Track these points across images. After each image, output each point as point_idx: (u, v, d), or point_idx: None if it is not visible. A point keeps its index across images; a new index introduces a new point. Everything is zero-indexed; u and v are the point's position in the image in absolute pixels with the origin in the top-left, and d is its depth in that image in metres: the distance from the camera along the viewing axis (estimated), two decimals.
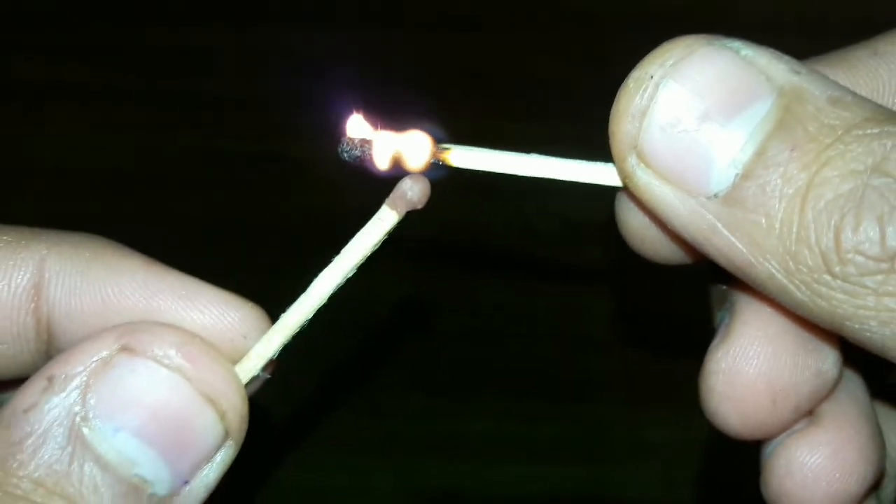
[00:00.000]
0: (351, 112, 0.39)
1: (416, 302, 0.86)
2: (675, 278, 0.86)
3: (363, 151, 0.38)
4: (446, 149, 0.39)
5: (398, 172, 0.38)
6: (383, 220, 0.37)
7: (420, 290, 0.87)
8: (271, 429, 0.78)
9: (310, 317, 0.37)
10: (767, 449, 0.42)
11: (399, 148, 0.38)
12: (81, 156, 0.93)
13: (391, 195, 0.37)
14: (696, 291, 0.83)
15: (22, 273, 0.39)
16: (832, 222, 0.34)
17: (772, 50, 0.37)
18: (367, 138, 0.39)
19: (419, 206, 0.37)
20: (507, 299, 0.86)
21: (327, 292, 0.37)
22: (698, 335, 0.84)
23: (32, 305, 0.39)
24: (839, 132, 0.34)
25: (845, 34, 0.44)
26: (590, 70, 0.99)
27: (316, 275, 0.40)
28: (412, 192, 0.37)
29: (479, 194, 0.87)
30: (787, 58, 0.36)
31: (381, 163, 0.39)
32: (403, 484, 0.77)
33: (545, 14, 1.03)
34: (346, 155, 0.39)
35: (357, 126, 0.39)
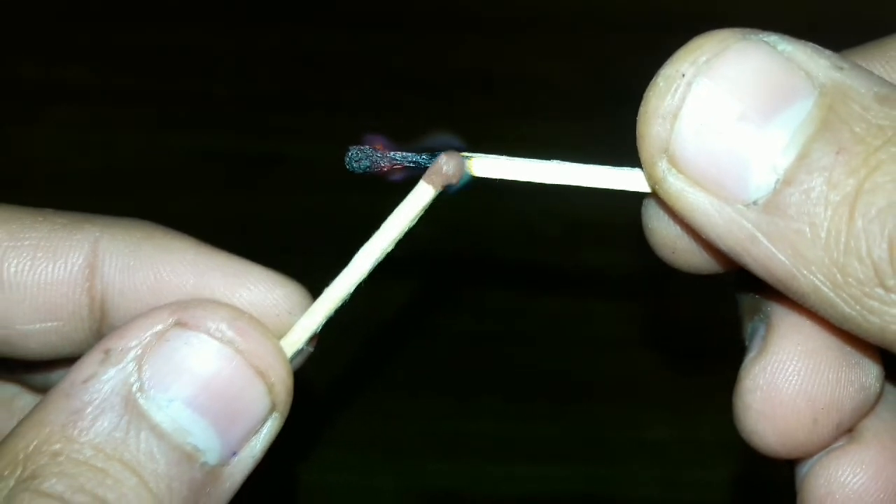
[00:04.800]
0: (362, 135, 0.39)
1: (419, 303, 0.86)
2: (676, 281, 0.87)
3: (372, 161, 0.38)
4: (467, 157, 0.38)
5: (407, 177, 0.39)
6: (420, 196, 0.38)
7: (422, 291, 0.87)
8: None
9: (351, 291, 0.38)
10: (804, 468, 0.39)
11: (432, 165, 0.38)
12: (81, 156, 0.93)
13: (427, 171, 0.38)
14: (698, 294, 0.83)
15: (77, 253, 0.41)
16: (885, 231, 0.31)
17: (811, 44, 0.34)
18: (376, 148, 0.39)
19: (454, 181, 0.38)
20: (509, 300, 0.86)
21: (367, 267, 0.38)
22: (699, 336, 0.84)
23: (87, 284, 0.41)
24: (889, 133, 0.32)
25: (847, 33, 0.44)
26: (591, 70, 0.99)
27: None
28: (448, 167, 0.37)
29: (482, 196, 0.87)
30: (828, 52, 0.34)
31: (391, 171, 0.39)
32: (404, 484, 0.77)
33: (546, 14, 1.03)
34: (354, 165, 0.39)
35: (367, 140, 0.39)
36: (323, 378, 0.81)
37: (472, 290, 0.87)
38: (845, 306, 0.33)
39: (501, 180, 0.39)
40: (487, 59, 1.00)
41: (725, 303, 0.44)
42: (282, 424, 0.37)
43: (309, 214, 0.88)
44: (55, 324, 0.41)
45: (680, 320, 0.86)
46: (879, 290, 0.32)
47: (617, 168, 0.38)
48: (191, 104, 0.96)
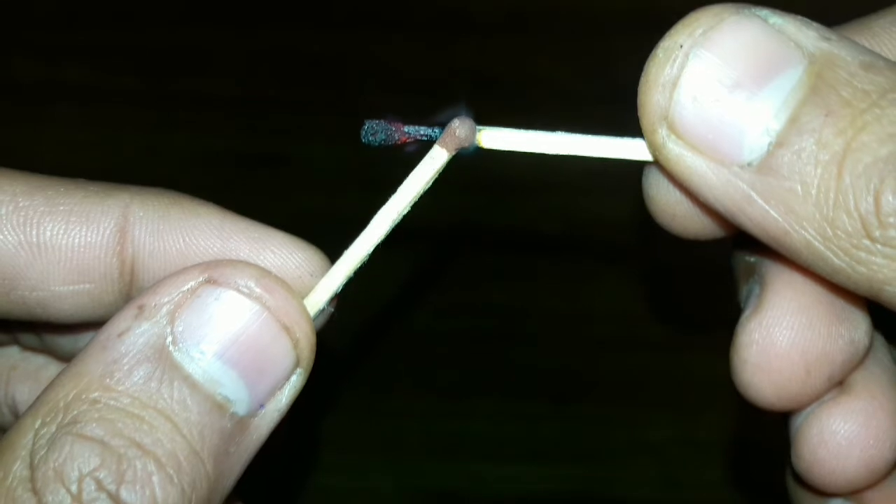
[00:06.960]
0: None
1: (418, 301, 0.86)
2: (678, 280, 0.87)
3: (387, 135, 0.40)
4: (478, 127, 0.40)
5: (420, 148, 0.40)
6: (435, 159, 0.40)
7: (421, 288, 0.87)
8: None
9: (369, 252, 0.40)
10: (797, 420, 0.42)
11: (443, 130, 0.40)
12: (81, 156, 0.93)
13: (441, 135, 0.40)
14: (700, 293, 0.84)
15: (109, 218, 0.43)
16: (871, 186, 0.34)
17: (801, 17, 0.37)
18: (391, 121, 0.41)
19: (466, 145, 0.39)
20: (509, 299, 0.86)
21: (385, 229, 0.40)
22: (700, 335, 0.84)
23: (118, 248, 0.43)
24: (874, 97, 0.35)
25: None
26: (591, 70, 0.99)
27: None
28: (460, 131, 0.39)
29: (482, 193, 0.87)
30: (816, 24, 0.37)
31: (405, 143, 0.40)
32: (403, 484, 0.77)
33: (546, 14, 1.03)
34: (370, 138, 0.40)
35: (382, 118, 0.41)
36: (322, 377, 0.81)
37: (472, 288, 0.87)
38: (835, 259, 0.35)
39: (503, 179, 0.39)
40: (487, 59, 1.00)
41: (727, 302, 0.45)
42: (305, 380, 0.39)
43: (309, 214, 0.88)
44: (88, 286, 0.44)
45: (681, 320, 0.86)
46: (866, 241, 0.34)
47: (620, 138, 0.40)
48: (191, 104, 0.96)
